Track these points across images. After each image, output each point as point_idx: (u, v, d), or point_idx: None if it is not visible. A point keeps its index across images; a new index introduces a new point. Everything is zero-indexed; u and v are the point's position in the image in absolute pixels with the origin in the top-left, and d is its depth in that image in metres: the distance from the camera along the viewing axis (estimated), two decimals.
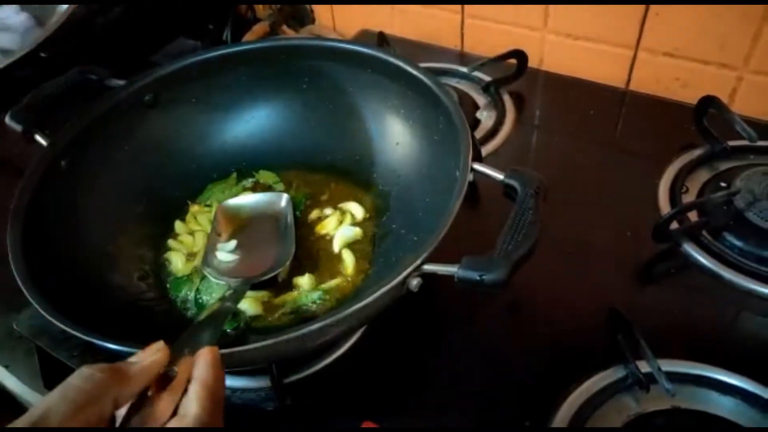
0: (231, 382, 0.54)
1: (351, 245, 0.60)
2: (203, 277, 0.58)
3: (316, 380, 0.54)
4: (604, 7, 0.78)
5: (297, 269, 0.58)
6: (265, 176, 0.68)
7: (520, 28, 0.86)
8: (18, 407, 0.59)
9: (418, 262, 0.43)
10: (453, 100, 0.55)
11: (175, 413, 0.33)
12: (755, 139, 0.64)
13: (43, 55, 0.80)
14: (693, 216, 0.64)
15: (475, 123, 0.80)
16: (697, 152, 0.71)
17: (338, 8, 1.03)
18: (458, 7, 0.90)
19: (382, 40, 0.90)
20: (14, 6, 0.89)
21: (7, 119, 0.57)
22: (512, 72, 0.84)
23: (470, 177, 0.49)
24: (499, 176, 0.49)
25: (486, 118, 0.81)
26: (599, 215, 0.67)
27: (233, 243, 0.60)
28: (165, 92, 0.65)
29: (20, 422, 0.30)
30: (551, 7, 0.82)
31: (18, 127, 0.57)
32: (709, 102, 0.70)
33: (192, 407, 0.33)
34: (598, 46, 0.82)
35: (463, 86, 0.86)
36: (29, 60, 0.79)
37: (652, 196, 0.67)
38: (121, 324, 0.49)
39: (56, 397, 0.31)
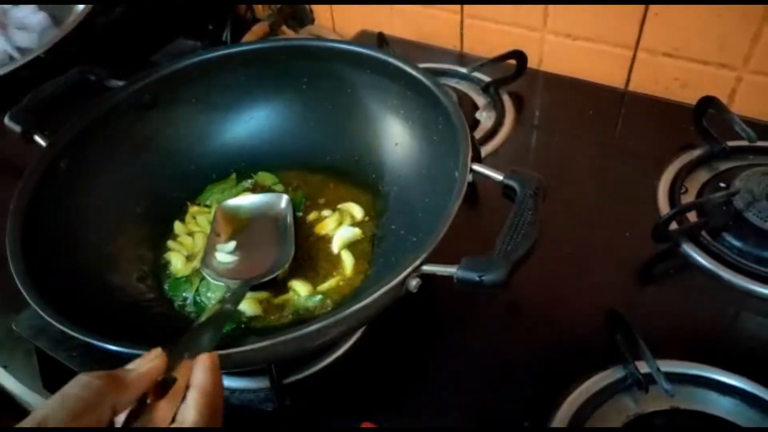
0: (230, 382, 0.54)
1: (350, 246, 0.60)
2: (203, 278, 0.58)
3: (316, 381, 0.54)
4: (603, 8, 0.78)
5: (296, 270, 0.58)
6: (264, 177, 0.68)
7: (520, 28, 0.86)
8: (17, 408, 0.59)
9: (418, 262, 0.43)
10: (452, 101, 0.55)
11: (174, 420, 0.33)
12: (754, 139, 0.64)
13: (42, 55, 0.80)
14: (692, 216, 0.64)
15: (475, 123, 0.80)
16: (696, 152, 0.71)
17: (338, 9, 1.03)
18: (457, 7, 0.90)
19: (381, 40, 0.90)
20: (32, 5, 0.91)
21: (6, 120, 0.57)
22: (512, 72, 0.84)
23: (469, 177, 0.49)
24: (499, 177, 0.49)
25: (485, 118, 0.81)
26: (598, 215, 0.67)
27: (232, 244, 0.60)
28: (164, 93, 0.65)
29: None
30: (551, 7, 0.82)
31: (17, 128, 0.57)
32: (708, 102, 0.70)
33: (190, 414, 0.33)
34: (598, 47, 0.82)
35: (463, 87, 0.86)
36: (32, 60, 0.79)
37: (652, 197, 0.67)
38: (120, 325, 0.49)
39: (54, 405, 0.31)
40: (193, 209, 0.65)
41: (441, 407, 0.51)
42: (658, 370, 0.48)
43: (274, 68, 0.67)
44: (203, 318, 0.43)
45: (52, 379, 0.57)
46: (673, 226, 0.61)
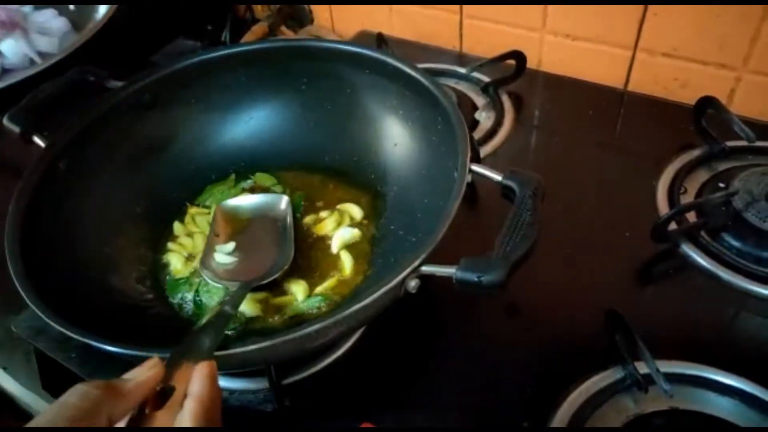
0: (229, 383, 0.54)
1: (349, 246, 0.60)
2: (202, 279, 0.58)
3: (315, 381, 0.54)
4: (602, 8, 0.78)
5: (295, 271, 0.58)
6: (262, 179, 0.68)
7: (519, 28, 0.86)
8: (17, 409, 0.59)
9: (417, 263, 0.43)
10: (451, 101, 0.55)
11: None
12: (754, 139, 0.64)
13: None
14: (691, 216, 0.64)
15: (474, 124, 0.80)
16: (695, 153, 0.71)
17: (337, 9, 1.03)
18: (457, 7, 0.90)
19: (380, 40, 0.90)
20: (53, 10, 0.92)
21: (5, 120, 0.57)
22: (511, 72, 0.84)
23: (469, 178, 0.49)
24: (498, 177, 0.49)
25: (485, 118, 0.81)
26: (598, 216, 0.67)
27: (231, 245, 0.60)
28: (164, 93, 0.65)
29: None
30: (550, 7, 0.82)
31: (16, 129, 0.57)
32: (707, 102, 0.70)
33: (186, 424, 0.33)
34: (597, 47, 0.82)
35: (462, 87, 0.86)
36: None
37: (651, 197, 0.67)
38: (119, 325, 0.49)
39: (51, 415, 0.31)
40: (193, 210, 0.65)
41: (441, 407, 0.51)
42: (658, 370, 0.48)
43: (274, 68, 0.67)
44: (203, 321, 0.43)
45: (51, 380, 0.57)
46: (673, 226, 0.61)
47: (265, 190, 0.67)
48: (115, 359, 0.42)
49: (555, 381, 0.51)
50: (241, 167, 0.69)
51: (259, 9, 1.07)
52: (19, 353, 0.59)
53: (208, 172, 0.68)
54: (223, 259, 0.58)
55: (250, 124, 0.70)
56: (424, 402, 0.52)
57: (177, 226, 0.64)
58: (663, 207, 0.65)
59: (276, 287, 0.57)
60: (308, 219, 0.64)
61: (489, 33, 0.89)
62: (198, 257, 0.60)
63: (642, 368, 0.49)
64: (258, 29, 1.01)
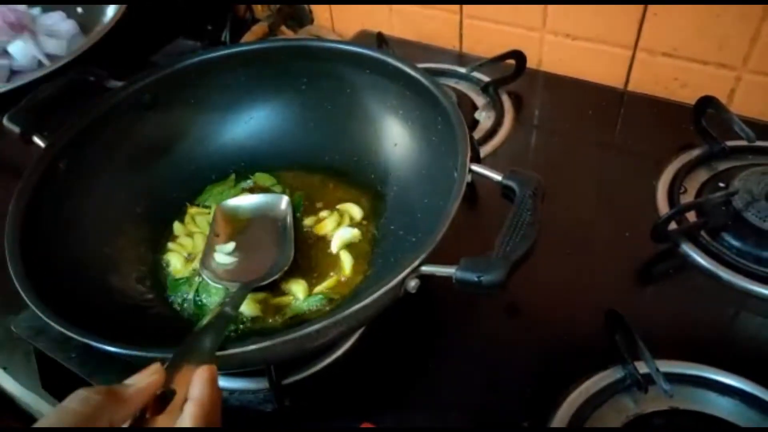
0: (229, 383, 0.54)
1: (349, 246, 0.60)
2: (202, 279, 0.58)
3: (315, 381, 0.54)
4: (602, 7, 0.78)
5: (295, 271, 0.58)
6: (262, 179, 0.68)
7: (519, 28, 0.86)
8: (17, 409, 0.59)
9: (417, 263, 0.43)
10: (451, 101, 0.55)
11: None
12: (753, 139, 0.64)
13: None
14: (691, 216, 0.64)
15: (474, 123, 0.80)
16: (695, 152, 0.71)
17: (337, 9, 1.03)
18: (457, 7, 0.89)
19: (380, 40, 0.90)
20: (61, 13, 0.93)
21: (5, 121, 0.57)
22: (511, 72, 0.84)
23: (468, 178, 0.49)
24: (498, 177, 0.49)
25: (485, 118, 0.81)
26: (597, 216, 0.67)
27: (231, 245, 0.60)
28: (164, 93, 0.65)
29: None
30: (550, 7, 0.82)
31: (16, 129, 0.57)
32: (707, 102, 0.70)
33: (187, 426, 0.34)
34: (597, 47, 0.82)
35: (462, 87, 0.86)
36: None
37: (651, 197, 0.67)
38: (119, 326, 0.49)
39: (52, 420, 0.32)
40: (192, 210, 0.65)
41: (441, 407, 0.51)
42: (657, 370, 0.48)
43: (274, 68, 0.67)
44: (204, 322, 0.43)
45: (51, 380, 0.57)
46: (673, 226, 0.61)
47: (265, 190, 0.67)
48: (114, 359, 0.42)
49: (555, 381, 0.51)
50: (241, 167, 0.69)
51: (259, 9, 1.07)
52: (19, 353, 0.59)
53: (208, 172, 0.68)
54: (223, 259, 0.58)
55: (250, 124, 0.70)
56: (424, 402, 0.52)
57: (177, 226, 0.64)
58: (663, 207, 0.65)
59: (276, 287, 0.57)
60: (308, 219, 0.64)
61: (489, 33, 0.89)
62: (198, 257, 0.60)
63: (642, 368, 0.49)
64: (258, 29, 1.01)
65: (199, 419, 0.34)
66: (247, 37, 0.99)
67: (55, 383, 0.57)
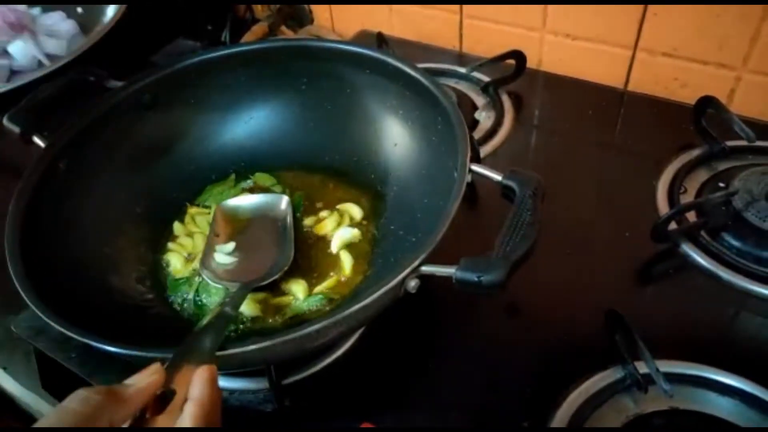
0: (229, 383, 0.54)
1: (349, 246, 0.60)
2: (202, 279, 0.58)
3: (315, 381, 0.54)
4: (602, 7, 0.78)
5: (295, 271, 0.58)
6: (262, 179, 0.68)
7: (519, 28, 0.86)
8: (17, 409, 0.59)
9: (417, 263, 0.43)
10: (451, 101, 0.55)
11: None
12: (753, 139, 0.64)
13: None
14: (691, 216, 0.64)
15: (474, 123, 0.80)
16: (695, 152, 0.71)
17: (337, 9, 1.03)
18: (457, 7, 0.89)
19: (380, 40, 0.90)
20: (61, 13, 0.93)
21: (5, 121, 0.57)
22: (511, 72, 0.84)
23: (468, 178, 0.49)
24: (498, 177, 0.49)
25: (485, 118, 0.81)
26: (598, 216, 0.67)
27: (231, 245, 0.60)
28: (163, 93, 0.65)
29: None
30: (550, 7, 0.82)
31: (16, 129, 0.57)
32: (707, 102, 0.70)
33: (186, 426, 0.34)
34: (597, 47, 0.82)
35: (462, 87, 0.86)
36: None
37: (651, 197, 0.67)
38: (119, 326, 0.49)
39: (52, 420, 0.32)
40: (192, 210, 0.65)
41: (441, 407, 0.51)
42: (657, 370, 0.48)
43: (274, 68, 0.67)
44: (204, 322, 0.43)
45: (51, 380, 0.57)
46: (673, 226, 0.61)
47: (265, 190, 0.67)
48: (115, 359, 0.42)
49: (555, 381, 0.51)
50: (241, 167, 0.69)
51: (259, 9, 1.07)
52: (19, 353, 0.59)
53: (208, 172, 0.68)
54: (223, 259, 0.58)
55: (250, 124, 0.70)
56: (424, 402, 0.52)
57: (177, 226, 0.64)
58: (663, 207, 0.65)
59: (276, 287, 0.57)
60: (308, 219, 0.64)
61: (489, 33, 0.89)
62: (198, 257, 0.60)
63: (642, 368, 0.49)
64: (258, 29, 1.01)
65: (199, 419, 0.34)
66: (247, 37, 0.99)
67: (55, 383, 0.57)
